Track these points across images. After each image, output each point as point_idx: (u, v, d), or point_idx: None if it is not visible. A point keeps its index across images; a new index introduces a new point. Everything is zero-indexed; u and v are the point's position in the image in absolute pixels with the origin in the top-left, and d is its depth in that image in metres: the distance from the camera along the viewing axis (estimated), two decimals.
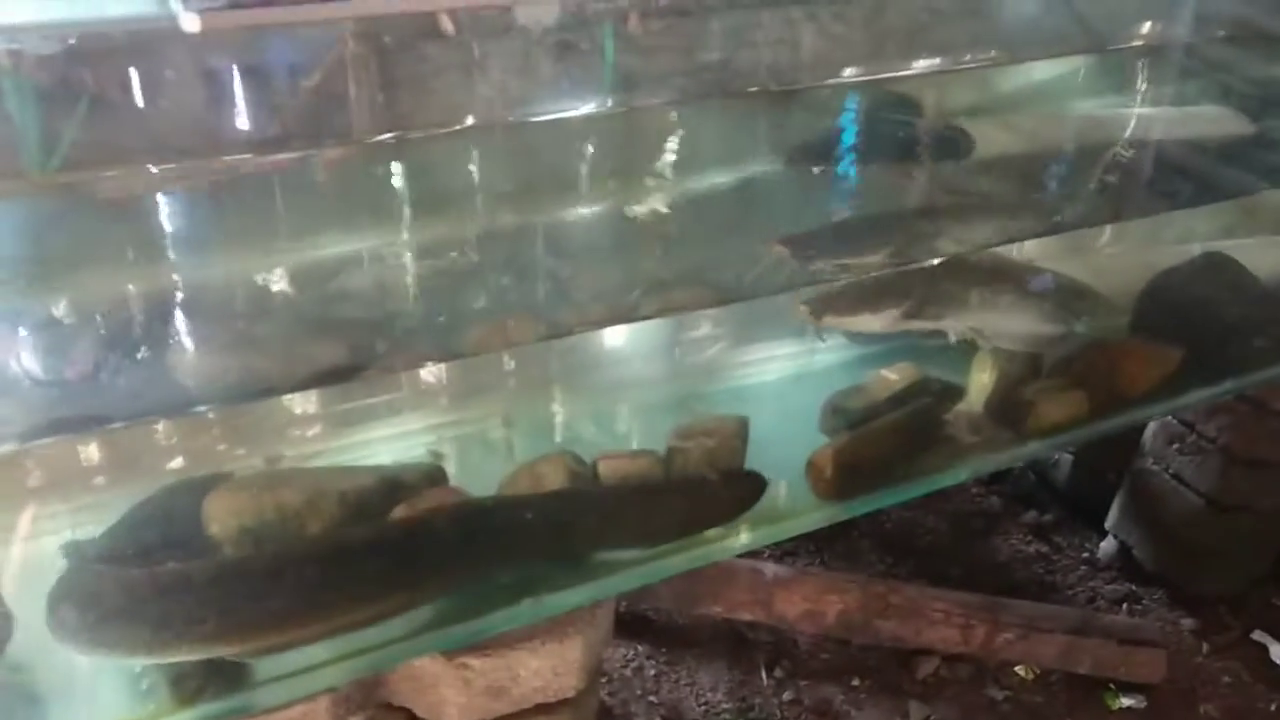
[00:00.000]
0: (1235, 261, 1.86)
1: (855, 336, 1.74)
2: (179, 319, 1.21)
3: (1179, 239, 1.97)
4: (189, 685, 1.11)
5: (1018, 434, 1.61)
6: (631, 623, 2.11)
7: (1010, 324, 1.60)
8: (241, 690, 1.13)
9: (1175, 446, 2.21)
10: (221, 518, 1.20)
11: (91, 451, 1.29)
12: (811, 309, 1.46)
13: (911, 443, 1.52)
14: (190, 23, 0.84)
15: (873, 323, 1.48)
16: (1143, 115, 1.82)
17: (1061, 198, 1.70)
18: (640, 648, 2.09)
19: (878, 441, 1.47)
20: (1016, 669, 2.11)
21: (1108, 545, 2.40)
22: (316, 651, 1.16)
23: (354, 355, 1.23)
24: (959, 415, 1.60)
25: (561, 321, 1.35)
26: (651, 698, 1.99)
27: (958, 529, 2.47)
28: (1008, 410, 1.62)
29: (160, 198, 1.17)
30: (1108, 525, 2.40)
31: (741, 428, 1.43)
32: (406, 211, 1.36)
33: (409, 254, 1.38)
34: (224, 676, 1.13)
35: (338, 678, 1.18)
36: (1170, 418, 2.19)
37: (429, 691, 1.28)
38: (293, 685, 1.15)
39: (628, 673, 2.03)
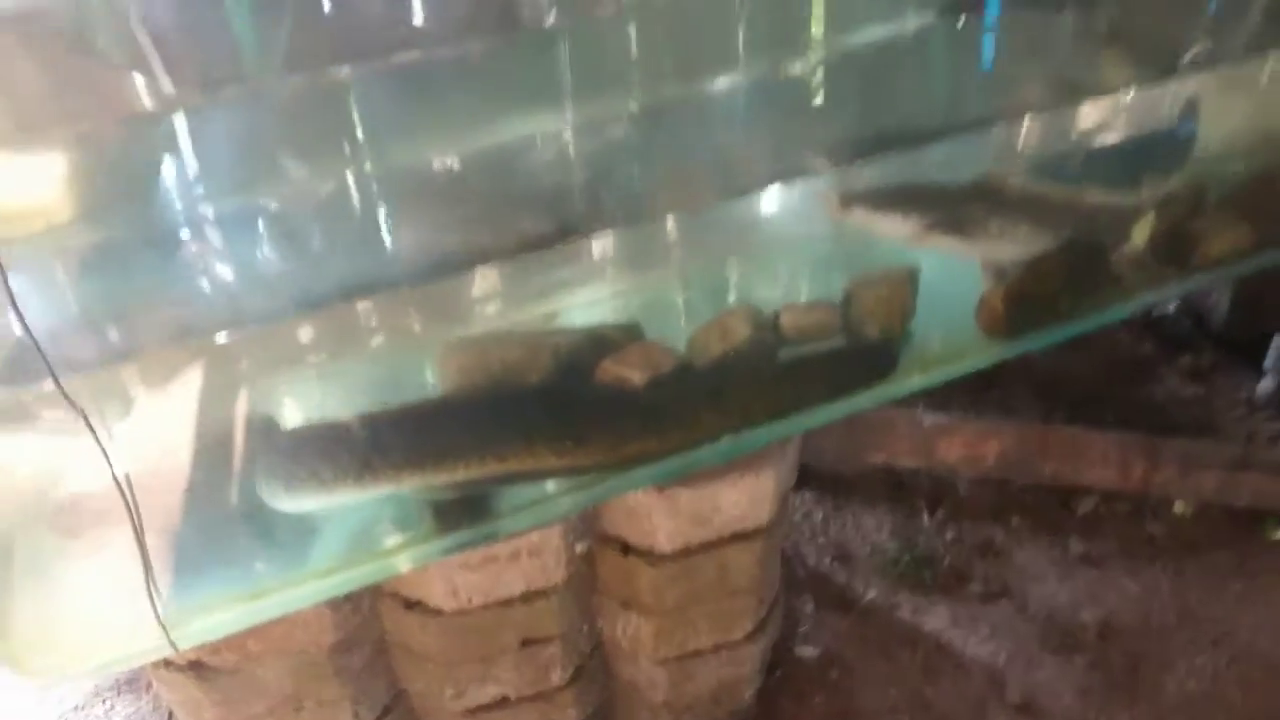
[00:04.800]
0: None
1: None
2: (397, 204, 1.34)
3: None
4: (448, 516, 1.28)
5: (1182, 267, 1.64)
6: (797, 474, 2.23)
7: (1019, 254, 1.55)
8: (490, 520, 1.31)
9: None
10: (451, 374, 1.36)
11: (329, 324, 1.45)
12: (841, 199, 1.45)
13: (1079, 278, 1.57)
14: None
15: (898, 228, 1.45)
16: None
17: (1216, 29, 1.67)
18: (807, 495, 2.22)
19: (1046, 277, 1.53)
20: (1175, 506, 2.16)
21: (1266, 384, 2.38)
22: (550, 486, 1.32)
23: (557, 225, 1.36)
24: (1124, 251, 1.63)
25: (732, 185, 1.45)
26: (820, 539, 2.13)
27: (1112, 375, 2.49)
28: (1172, 244, 1.64)
29: (355, 91, 1.30)
30: (1267, 365, 2.38)
31: (912, 276, 1.51)
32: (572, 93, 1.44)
33: (580, 135, 1.47)
34: (475, 508, 1.30)
35: (569, 508, 1.34)
36: None
37: (642, 520, 1.43)
38: (531, 514, 1.32)
39: (797, 518, 2.17)
